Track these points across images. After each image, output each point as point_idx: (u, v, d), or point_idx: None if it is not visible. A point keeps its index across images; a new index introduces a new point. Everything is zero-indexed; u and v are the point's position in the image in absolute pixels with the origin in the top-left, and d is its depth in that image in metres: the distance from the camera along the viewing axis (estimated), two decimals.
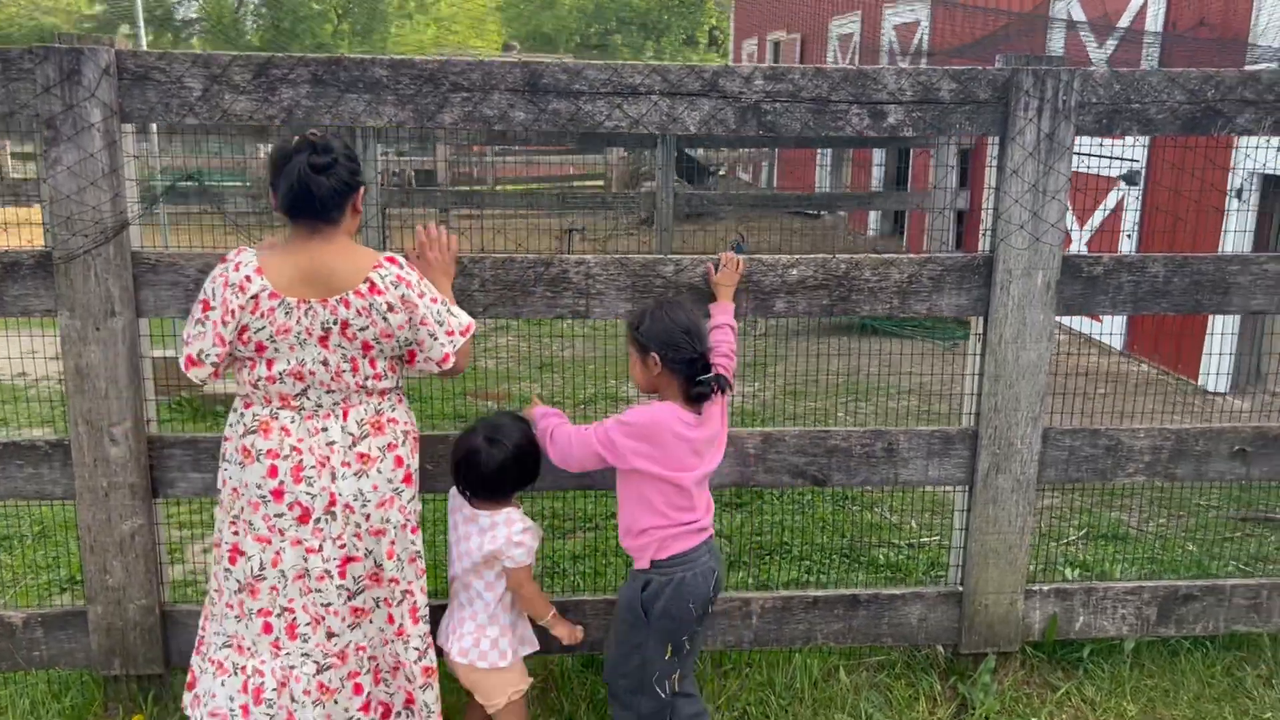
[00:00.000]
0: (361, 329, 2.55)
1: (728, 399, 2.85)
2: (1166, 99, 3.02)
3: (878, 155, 14.59)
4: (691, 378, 2.68)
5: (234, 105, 2.81)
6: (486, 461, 2.77)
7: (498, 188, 18.74)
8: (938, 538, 4.56)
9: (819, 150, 16.26)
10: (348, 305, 2.54)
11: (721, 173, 20.35)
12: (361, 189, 2.66)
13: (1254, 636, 3.55)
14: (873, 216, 15.18)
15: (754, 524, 4.62)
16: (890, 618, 3.34)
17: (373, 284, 2.55)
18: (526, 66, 2.86)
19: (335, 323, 2.54)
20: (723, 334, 2.96)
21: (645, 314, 2.78)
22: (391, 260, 2.61)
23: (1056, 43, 9.11)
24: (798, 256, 3.06)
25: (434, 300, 2.65)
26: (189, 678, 2.76)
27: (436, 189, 14.14)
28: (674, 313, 2.74)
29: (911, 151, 13.21)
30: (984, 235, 3.16)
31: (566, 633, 2.97)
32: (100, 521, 3.01)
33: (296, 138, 2.53)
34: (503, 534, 2.79)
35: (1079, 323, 8.65)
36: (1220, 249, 7.14)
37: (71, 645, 3.15)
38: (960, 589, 3.34)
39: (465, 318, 2.74)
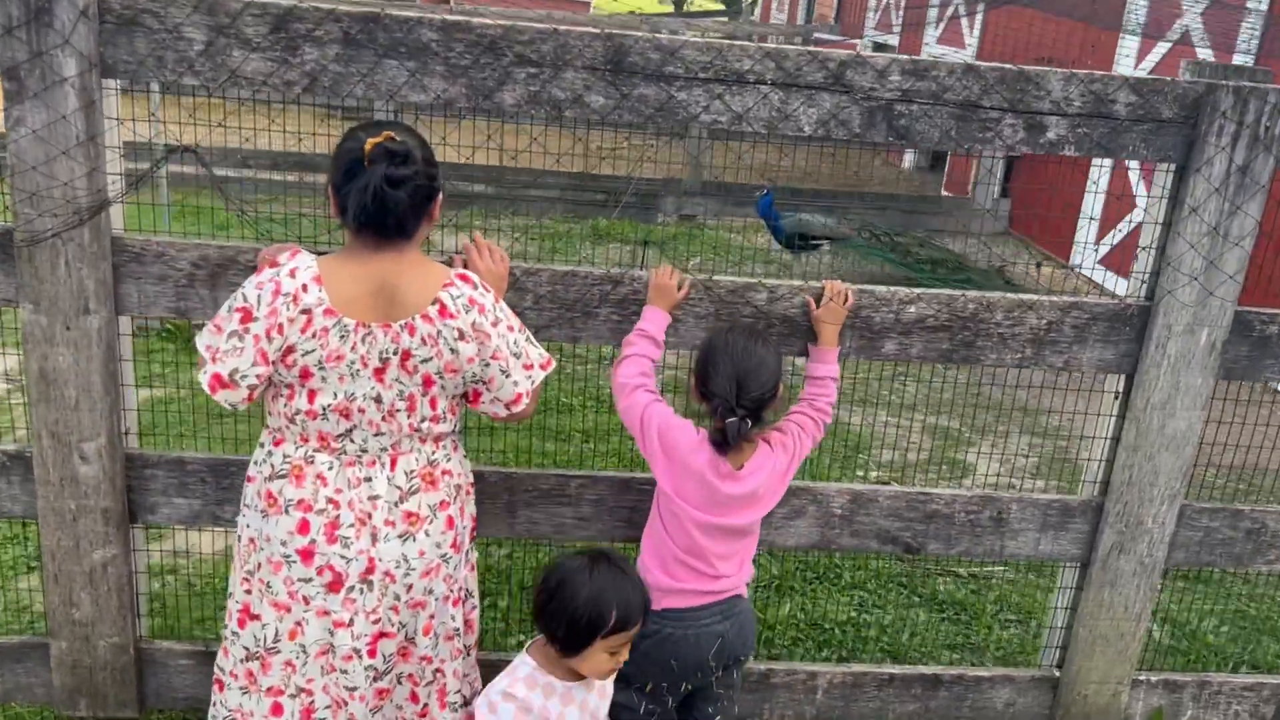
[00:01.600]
0: (424, 360, 2.09)
1: (795, 459, 2.38)
2: None
3: None
4: (721, 417, 2.25)
5: (245, 65, 2.25)
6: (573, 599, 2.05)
7: None
8: (1003, 569, 4.12)
9: None
10: (412, 332, 2.07)
11: None
12: (440, 194, 2.15)
13: None
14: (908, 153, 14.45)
15: None
16: (974, 700, 2.91)
17: (443, 306, 2.09)
18: (610, 40, 2.29)
19: (395, 352, 2.08)
20: (819, 386, 2.46)
21: (712, 333, 2.42)
22: (465, 279, 2.14)
23: None
24: (918, 291, 2.54)
25: (510, 328, 2.18)
26: None
27: None
28: (732, 340, 2.31)
29: None
30: (1135, 278, 2.63)
31: None
32: (67, 549, 2.54)
33: (371, 140, 2.02)
34: (492, 686, 2.14)
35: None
36: None
37: (30, 679, 2.71)
38: (1057, 674, 2.90)
39: (543, 350, 2.26)
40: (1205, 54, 7.70)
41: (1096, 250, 8.55)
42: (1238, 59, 7.37)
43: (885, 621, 3.63)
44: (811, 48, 2.36)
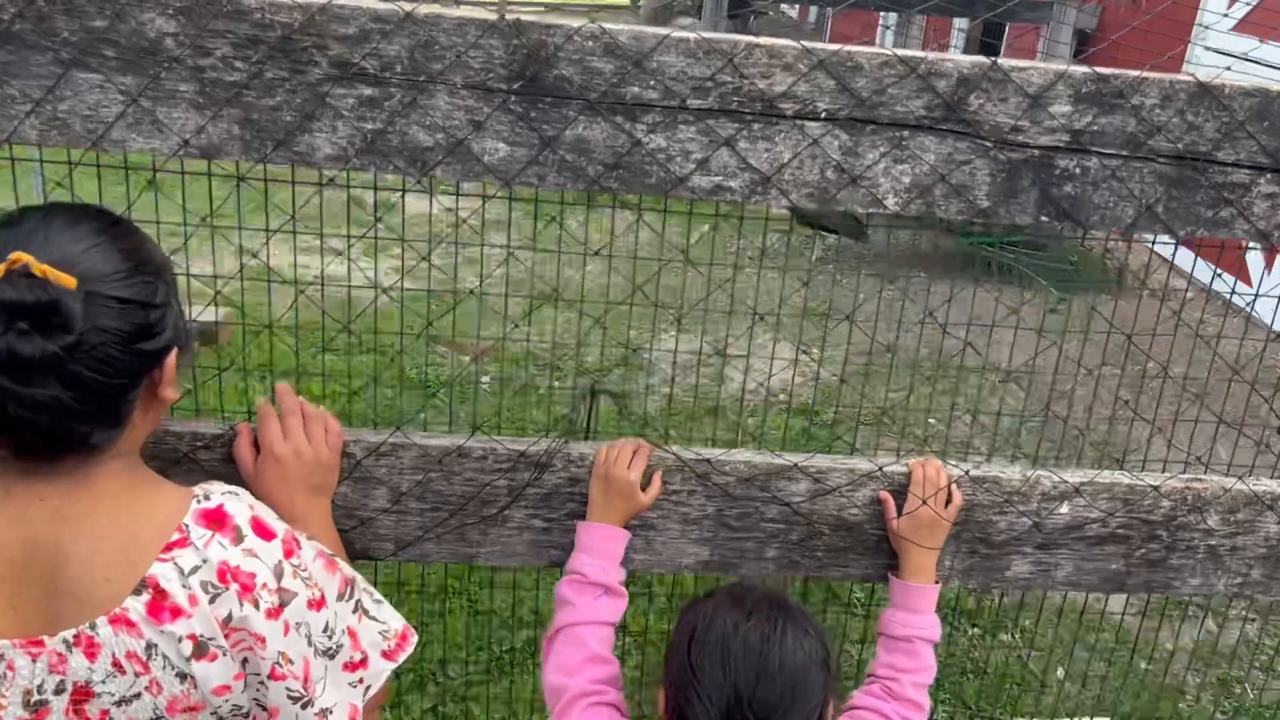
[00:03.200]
0: (121, 701, 1.03)
1: None
2: None
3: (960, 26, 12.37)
4: None
5: None
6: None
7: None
8: None
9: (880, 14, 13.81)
10: (93, 652, 1.01)
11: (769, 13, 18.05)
12: (172, 353, 1.08)
13: None
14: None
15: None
16: None
17: (157, 594, 1.02)
18: (521, 35, 1.17)
19: (59, 690, 1.02)
20: (903, 655, 1.39)
21: (695, 609, 1.25)
22: (214, 520, 1.07)
23: None
24: (1074, 481, 1.44)
25: (316, 604, 1.10)
26: None
27: None
28: (739, 636, 1.19)
29: (1007, 28, 11.06)
30: None
31: None
32: None
33: None
34: None
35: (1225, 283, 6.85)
36: None
37: None
38: None
39: (394, 620, 1.19)
40: None
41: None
42: None
43: None
44: (901, 51, 1.24)
